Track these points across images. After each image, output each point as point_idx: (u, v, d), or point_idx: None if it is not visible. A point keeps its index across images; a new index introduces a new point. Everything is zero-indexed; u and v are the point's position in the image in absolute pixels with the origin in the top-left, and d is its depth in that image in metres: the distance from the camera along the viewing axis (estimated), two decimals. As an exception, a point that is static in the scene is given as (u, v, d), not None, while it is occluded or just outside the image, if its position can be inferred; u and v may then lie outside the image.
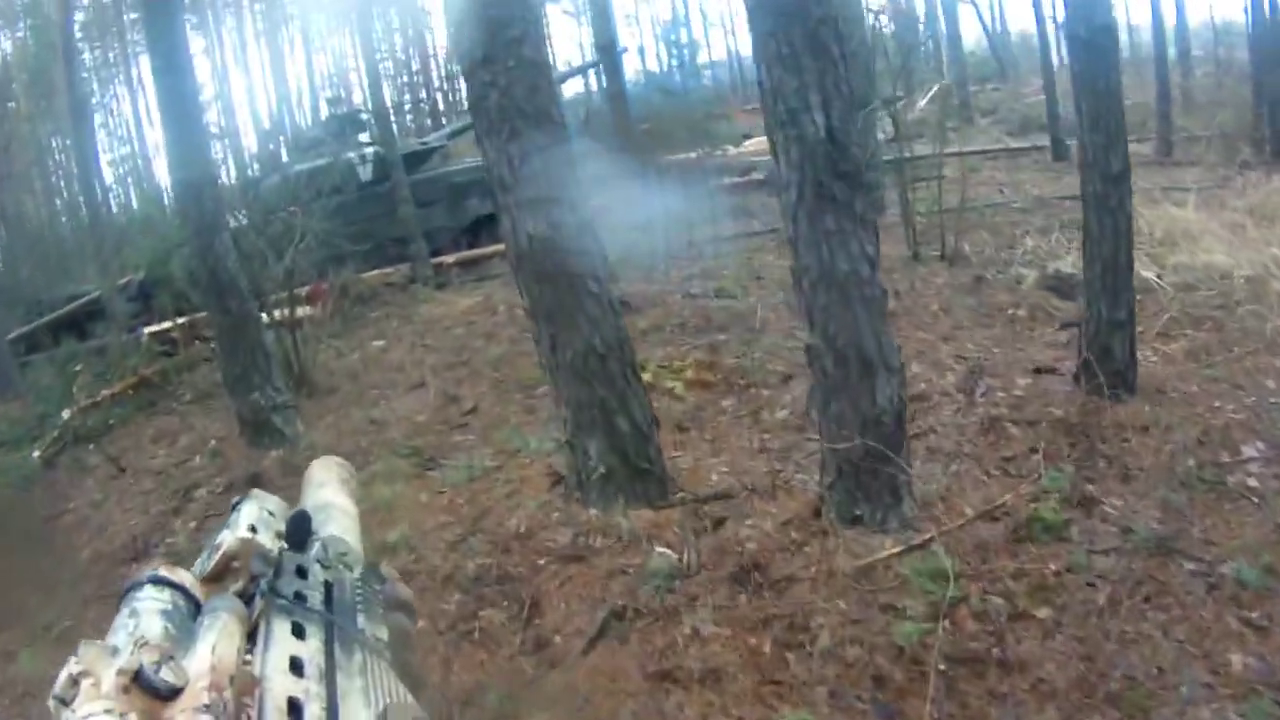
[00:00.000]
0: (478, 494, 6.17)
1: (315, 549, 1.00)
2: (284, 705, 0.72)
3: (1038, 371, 7.02)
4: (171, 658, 0.69)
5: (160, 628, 0.80)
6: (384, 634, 0.92)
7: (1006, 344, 7.88)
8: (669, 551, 5.00)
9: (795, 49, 4.47)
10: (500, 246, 13.77)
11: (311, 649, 0.80)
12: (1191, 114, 17.21)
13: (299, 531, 1.00)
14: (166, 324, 11.46)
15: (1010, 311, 8.89)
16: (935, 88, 18.73)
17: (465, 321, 10.46)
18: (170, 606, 0.84)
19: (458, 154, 16.57)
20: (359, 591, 0.95)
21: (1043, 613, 4.37)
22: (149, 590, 0.85)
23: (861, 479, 4.92)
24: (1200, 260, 9.13)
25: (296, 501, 1.18)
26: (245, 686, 0.73)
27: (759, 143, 18.37)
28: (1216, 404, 6.30)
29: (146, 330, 11.60)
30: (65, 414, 9.40)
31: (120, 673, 0.67)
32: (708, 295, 10.11)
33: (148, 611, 0.81)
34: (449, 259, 13.39)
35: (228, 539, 0.93)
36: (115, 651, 0.70)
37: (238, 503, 1.04)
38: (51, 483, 8.71)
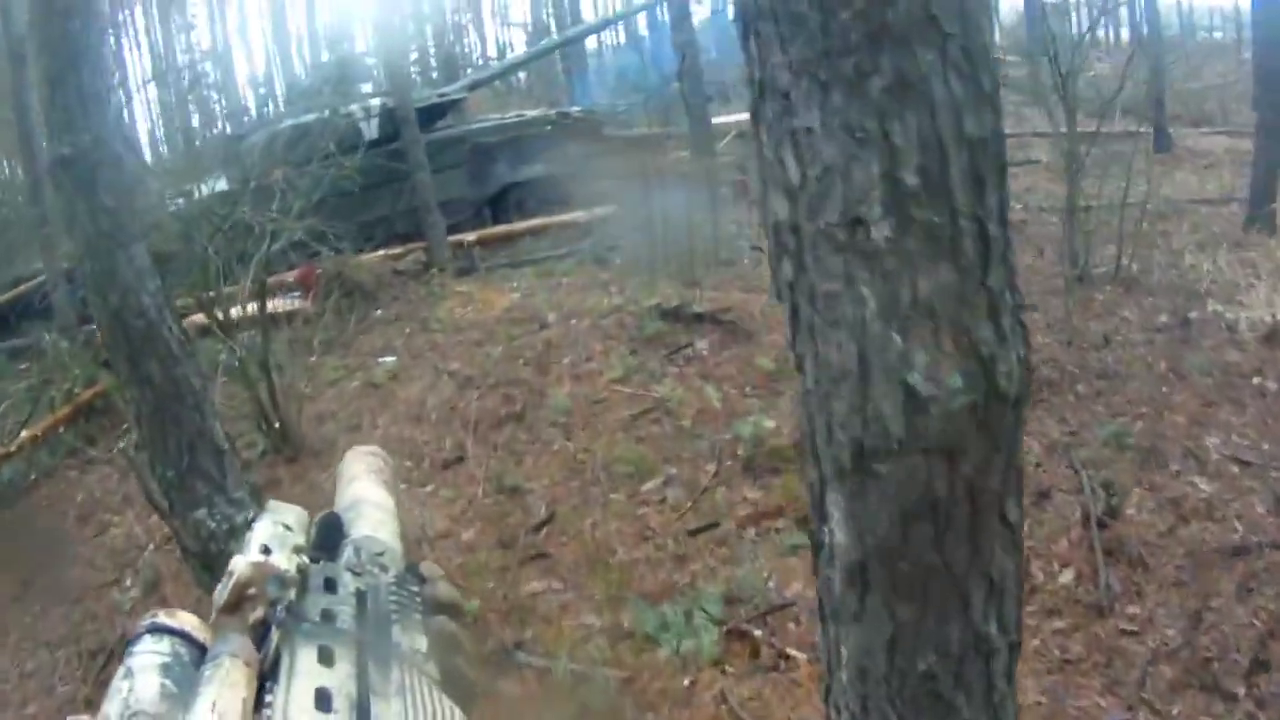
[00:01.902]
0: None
1: (346, 554, 0.82)
2: None
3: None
4: None
5: (157, 688, 0.66)
6: (423, 643, 0.73)
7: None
8: None
9: None
10: (534, 222, 10.51)
11: (341, 676, 0.65)
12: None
13: (329, 538, 0.84)
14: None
15: (1256, 381, 5.84)
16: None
17: (505, 333, 7.03)
18: (170, 658, 0.69)
19: (475, 110, 12.98)
20: (394, 598, 0.77)
21: None
22: (147, 643, 0.70)
23: None
24: None
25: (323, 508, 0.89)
26: None
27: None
28: None
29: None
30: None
31: None
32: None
33: (144, 670, 0.67)
34: (470, 237, 9.86)
35: (239, 565, 0.75)
36: None
37: (252, 520, 0.85)
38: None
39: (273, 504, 0.92)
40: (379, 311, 8.36)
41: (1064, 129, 8.84)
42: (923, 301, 1.73)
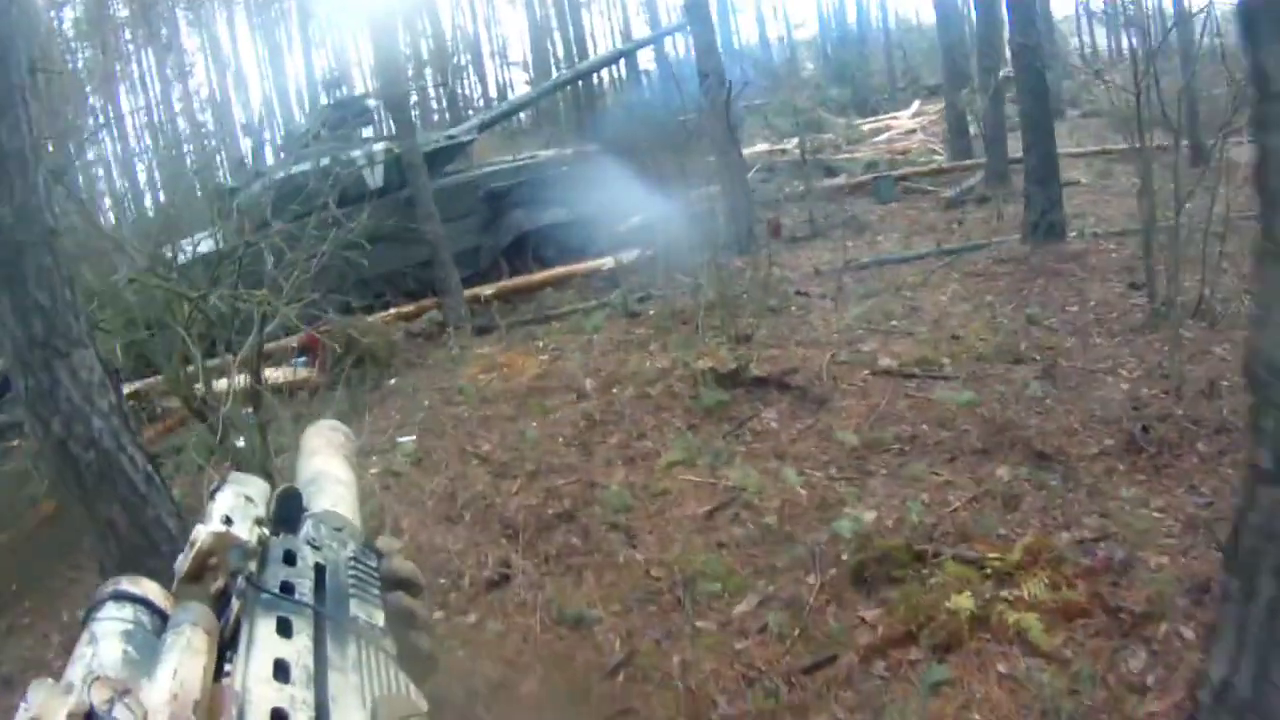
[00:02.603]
0: None
1: (306, 528, 0.80)
2: (266, 719, 0.57)
3: None
4: (128, 691, 0.55)
5: (119, 654, 0.63)
6: (380, 618, 0.72)
7: None
8: None
9: None
10: (555, 272, 9.63)
11: (299, 647, 0.64)
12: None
13: (288, 511, 0.80)
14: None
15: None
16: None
17: (538, 406, 6.14)
18: (132, 625, 0.66)
19: (480, 154, 12.14)
20: (352, 572, 0.76)
21: None
22: (109, 609, 0.67)
23: None
24: None
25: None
26: (216, 708, 0.58)
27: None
28: None
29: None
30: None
31: (70, 717, 0.53)
32: (909, 370, 5.87)
33: (107, 635, 0.65)
34: (487, 291, 8.98)
35: (201, 534, 0.72)
36: (69, 689, 0.55)
37: (214, 490, 0.80)
38: None
39: (235, 475, 0.81)
40: (393, 380, 7.48)
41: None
42: None
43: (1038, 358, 6.04)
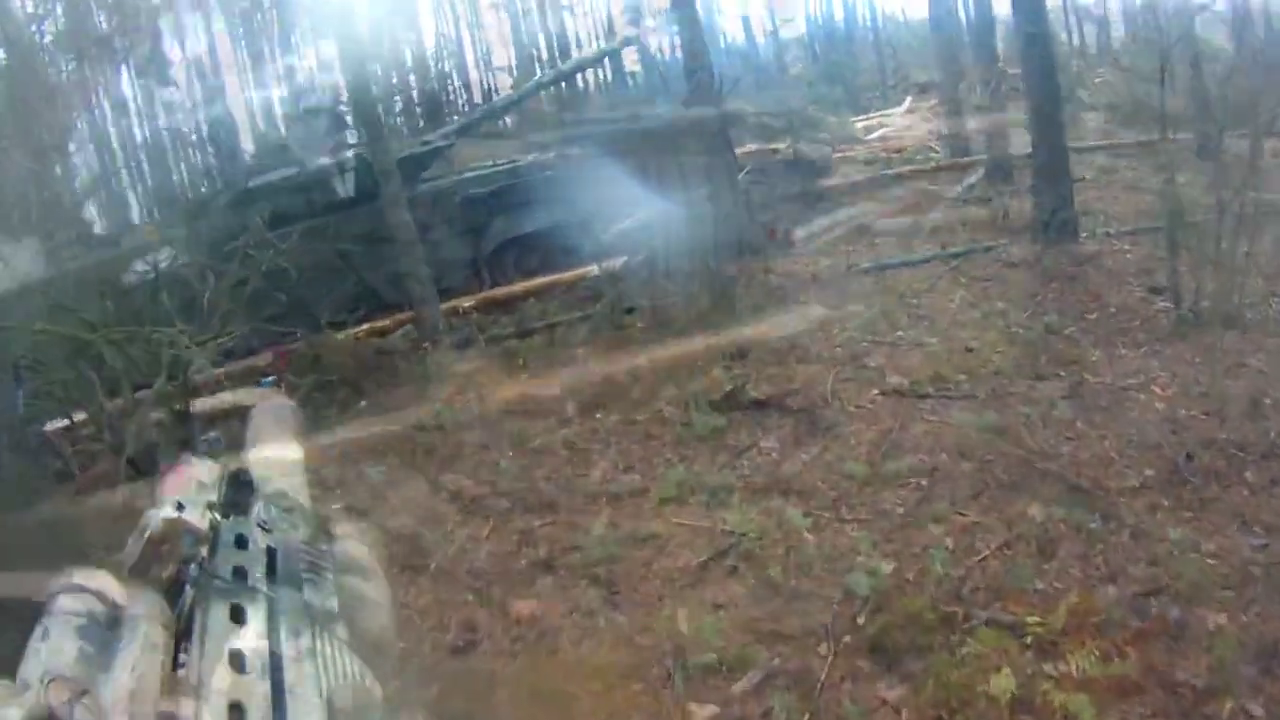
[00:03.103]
0: None
1: (257, 510, 0.78)
2: (224, 712, 0.55)
3: None
4: (85, 691, 0.53)
5: (75, 650, 0.60)
6: (334, 603, 0.71)
7: None
8: None
9: None
10: (538, 282, 9.06)
11: (253, 635, 0.62)
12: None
13: (239, 493, 0.79)
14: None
15: None
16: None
17: (517, 432, 5.62)
18: (86, 619, 0.63)
19: (462, 160, 11.53)
20: (305, 556, 0.74)
21: None
22: (63, 602, 0.65)
23: None
24: None
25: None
26: (174, 706, 0.56)
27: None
28: None
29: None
30: None
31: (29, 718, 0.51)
32: (921, 389, 5.31)
33: (60, 631, 0.62)
34: (466, 302, 8.39)
35: (152, 521, 0.70)
36: (25, 688, 0.54)
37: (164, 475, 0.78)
38: None
39: (185, 457, 0.79)
40: (364, 403, 6.88)
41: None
42: None
43: (1062, 373, 5.49)
